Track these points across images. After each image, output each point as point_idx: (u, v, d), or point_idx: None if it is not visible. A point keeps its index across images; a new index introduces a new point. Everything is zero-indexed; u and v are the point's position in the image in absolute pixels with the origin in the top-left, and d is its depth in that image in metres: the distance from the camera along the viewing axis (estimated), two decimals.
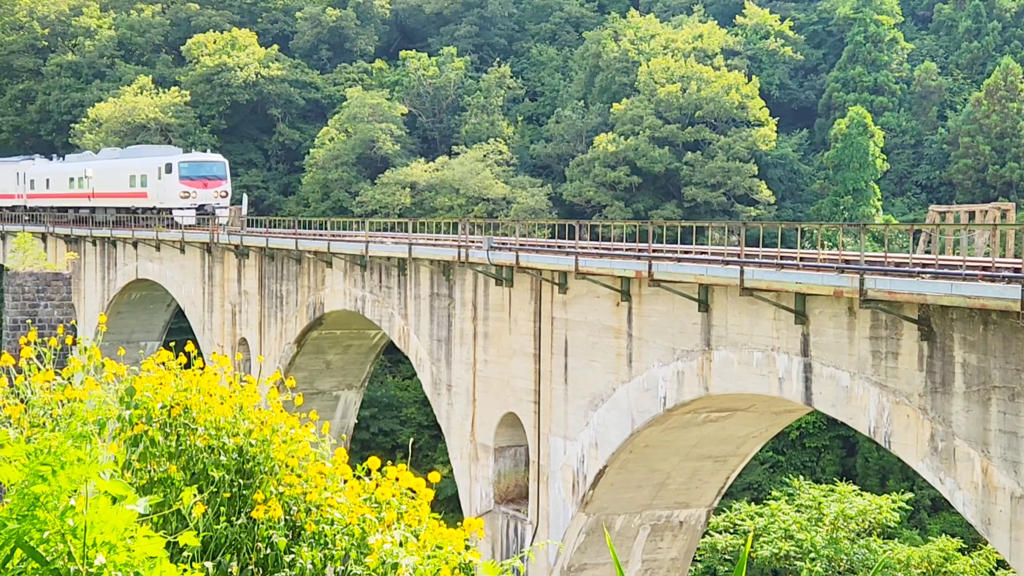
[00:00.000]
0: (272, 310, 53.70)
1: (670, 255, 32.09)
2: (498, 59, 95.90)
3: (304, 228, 57.60)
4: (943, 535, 51.50)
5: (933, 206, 49.27)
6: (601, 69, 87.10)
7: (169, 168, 66.06)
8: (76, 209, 76.88)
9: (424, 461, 66.34)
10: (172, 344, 10.46)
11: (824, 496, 50.01)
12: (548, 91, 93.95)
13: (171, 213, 65.11)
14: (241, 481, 8.07)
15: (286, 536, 7.68)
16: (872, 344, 25.66)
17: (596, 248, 36.12)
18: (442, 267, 41.65)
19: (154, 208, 66.84)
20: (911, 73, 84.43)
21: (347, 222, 61.11)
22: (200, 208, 65.08)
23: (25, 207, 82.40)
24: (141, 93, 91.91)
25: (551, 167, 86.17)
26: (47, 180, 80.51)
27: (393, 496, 7.61)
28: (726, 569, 50.54)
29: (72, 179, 76.92)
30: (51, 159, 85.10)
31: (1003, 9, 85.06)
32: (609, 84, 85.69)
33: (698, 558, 48.54)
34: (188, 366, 8.66)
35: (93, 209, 74.55)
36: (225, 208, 65.69)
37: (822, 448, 67.10)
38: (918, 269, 24.93)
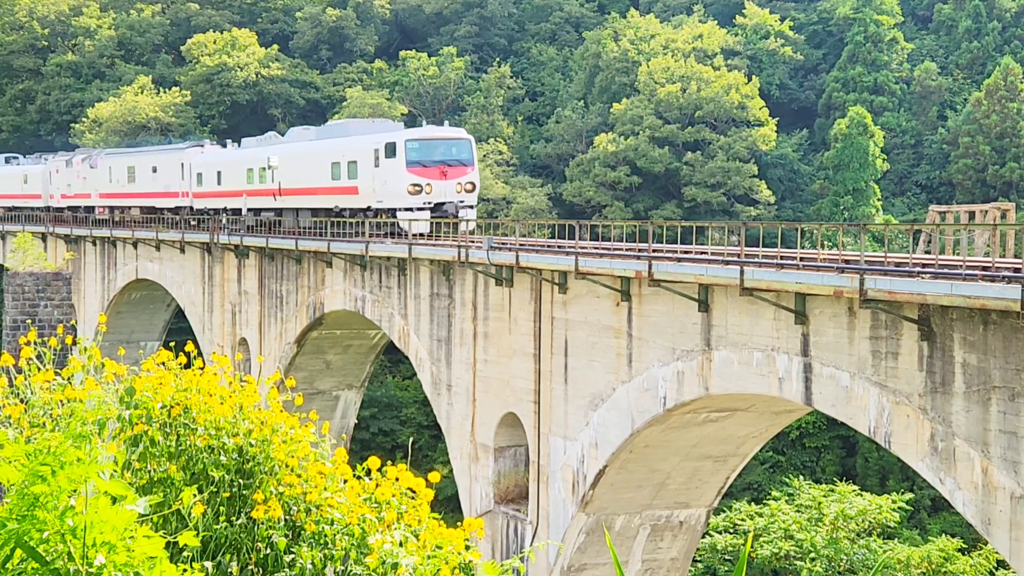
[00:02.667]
0: (272, 310, 53.70)
1: (670, 255, 32.08)
2: (498, 59, 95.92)
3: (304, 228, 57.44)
4: (943, 535, 51.50)
5: (933, 206, 49.29)
6: (601, 69, 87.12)
7: (392, 150, 46.74)
8: (257, 211, 57.67)
9: (424, 461, 66.33)
10: (172, 344, 10.46)
11: (824, 496, 50.02)
12: (548, 91, 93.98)
13: (394, 215, 46.40)
14: (241, 481, 8.07)
15: (286, 536, 7.68)
16: (872, 344, 25.65)
17: (596, 248, 36.10)
18: (442, 267, 41.66)
19: (368, 209, 48.34)
20: (911, 73, 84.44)
21: (347, 222, 60.86)
22: (437, 208, 46.12)
23: (191, 208, 64.13)
24: (141, 93, 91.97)
25: (551, 167, 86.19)
26: (218, 173, 61.44)
27: (393, 496, 7.61)
28: (726, 569, 50.53)
29: (251, 170, 57.93)
30: (224, 145, 66.89)
31: (1003, 9, 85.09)
32: (609, 84, 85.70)
33: (698, 558, 48.54)
34: (188, 366, 8.66)
35: (279, 211, 56.05)
36: (472, 208, 47.07)
37: (822, 448, 67.10)
38: (918, 269, 24.93)
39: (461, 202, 46.28)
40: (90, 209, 75.04)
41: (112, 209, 72.50)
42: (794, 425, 63.08)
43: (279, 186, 54.72)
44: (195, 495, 7.18)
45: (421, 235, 44.84)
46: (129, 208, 71.09)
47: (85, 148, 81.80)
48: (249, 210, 58.15)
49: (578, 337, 34.90)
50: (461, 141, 47.92)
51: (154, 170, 67.49)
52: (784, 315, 27.71)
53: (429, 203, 45.92)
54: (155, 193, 67.52)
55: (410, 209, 45.76)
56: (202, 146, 66.13)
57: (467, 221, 45.89)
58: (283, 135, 62.80)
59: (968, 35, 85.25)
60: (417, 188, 45.96)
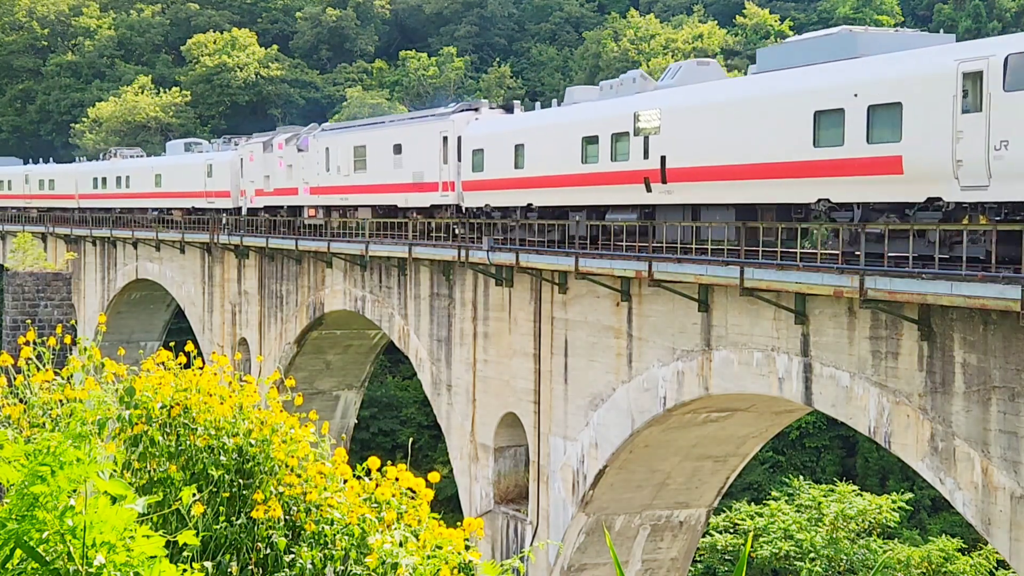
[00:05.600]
0: (272, 310, 53.69)
1: (670, 255, 32.03)
2: (498, 59, 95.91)
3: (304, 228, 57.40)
4: (943, 535, 51.50)
5: None
6: (601, 69, 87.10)
7: None
8: (598, 210, 35.24)
9: (424, 461, 66.32)
10: (172, 344, 10.46)
11: (824, 496, 50.02)
12: (548, 91, 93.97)
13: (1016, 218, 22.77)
14: (241, 481, 8.07)
15: (286, 536, 7.68)
16: (872, 344, 25.64)
17: (596, 248, 36.06)
18: (442, 267, 41.64)
19: (927, 203, 24.36)
20: None
21: (347, 222, 60.66)
22: None
23: (459, 207, 42.11)
24: (141, 93, 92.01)
25: None
26: (515, 148, 37.74)
27: (393, 496, 7.61)
28: (726, 569, 50.52)
29: (589, 140, 34.09)
30: (511, 109, 42.85)
31: (1003, 9, 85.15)
32: None
33: (698, 558, 48.54)
34: (188, 366, 8.66)
35: (652, 209, 33.01)
36: None
37: (822, 448, 67.09)
38: (918, 269, 24.90)
39: None
40: (296, 211, 53.95)
41: (329, 210, 50.98)
42: (794, 425, 63.06)
43: (661, 165, 31.23)
44: (195, 495, 7.17)
45: None
46: (355, 209, 49.02)
47: (291, 126, 59.78)
48: (580, 209, 35.82)
49: (578, 337, 34.90)
50: None
51: (397, 150, 44.98)
52: (784, 315, 27.70)
53: None
54: (397, 185, 44.83)
55: None
56: (476, 109, 42.61)
57: None
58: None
59: (968, 35, 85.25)
60: None
